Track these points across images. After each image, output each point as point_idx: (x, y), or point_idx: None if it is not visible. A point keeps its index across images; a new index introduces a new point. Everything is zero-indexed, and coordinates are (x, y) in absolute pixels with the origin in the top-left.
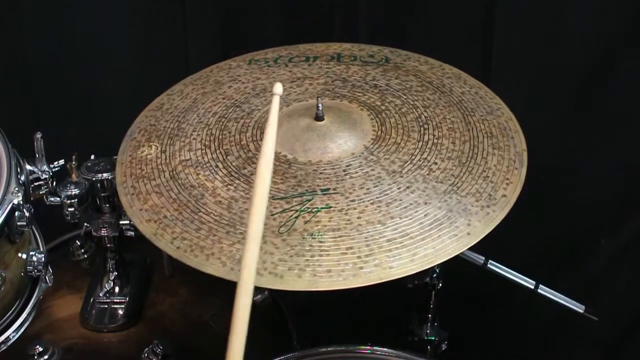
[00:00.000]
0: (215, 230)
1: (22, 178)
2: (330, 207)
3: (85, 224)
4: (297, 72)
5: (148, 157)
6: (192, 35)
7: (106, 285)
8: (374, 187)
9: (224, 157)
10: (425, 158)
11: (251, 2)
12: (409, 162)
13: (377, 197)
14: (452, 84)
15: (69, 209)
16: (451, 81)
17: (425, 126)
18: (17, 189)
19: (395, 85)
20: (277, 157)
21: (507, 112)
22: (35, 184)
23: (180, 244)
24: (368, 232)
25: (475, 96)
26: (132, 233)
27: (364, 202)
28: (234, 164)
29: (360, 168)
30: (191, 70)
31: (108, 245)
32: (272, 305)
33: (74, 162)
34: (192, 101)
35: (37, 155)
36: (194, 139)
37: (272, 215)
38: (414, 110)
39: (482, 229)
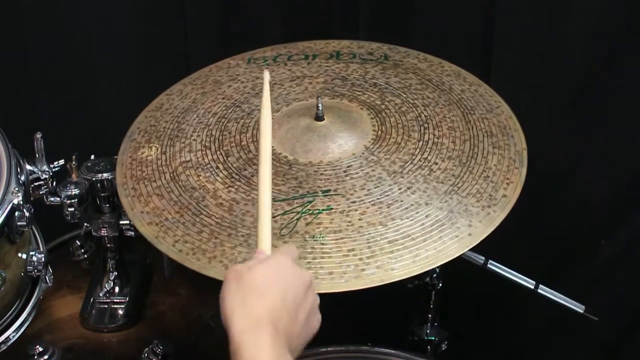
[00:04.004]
0: (217, 233)
1: (22, 178)
2: (332, 208)
3: (85, 224)
4: (297, 70)
5: (148, 158)
6: (192, 35)
7: (106, 285)
8: (375, 188)
9: (225, 158)
10: (426, 158)
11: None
12: (409, 162)
13: (378, 198)
14: (452, 82)
15: (69, 209)
16: (450, 79)
17: (426, 125)
18: (17, 189)
19: (395, 84)
20: (278, 158)
21: (506, 110)
22: (35, 184)
23: (182, 247)
24: (369, 233)
25: (475, 94)
26: (132, 233)
27: (364, 203)
28: (234, 165)
29: (361, 169)
30: (192, 70)
31: (108, 245)
32: None
33: (74, 162)
34: (191, 101)
35: (37, 155)
36: (194, 140)
37: (274, 217)
38: (414, 109)
39: (483, 230)
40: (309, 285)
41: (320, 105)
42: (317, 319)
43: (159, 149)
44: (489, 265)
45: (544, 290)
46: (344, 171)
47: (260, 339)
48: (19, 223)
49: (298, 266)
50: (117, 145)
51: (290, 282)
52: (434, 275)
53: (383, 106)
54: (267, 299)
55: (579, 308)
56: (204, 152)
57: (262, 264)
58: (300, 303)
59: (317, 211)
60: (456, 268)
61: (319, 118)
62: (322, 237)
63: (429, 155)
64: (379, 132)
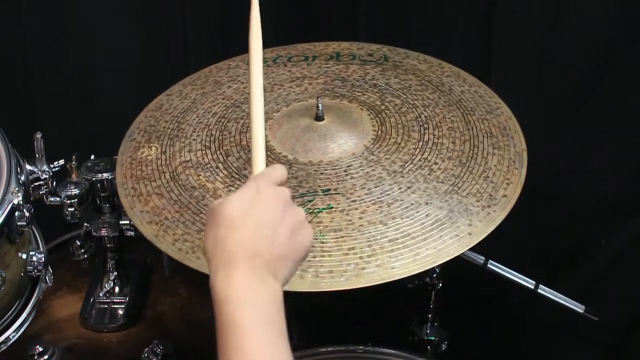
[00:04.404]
0: None
1: (22, 178)
2: (332, 207)
3: (85, 224)
4: (297, 71)
5: (148, 158)
6: (192, 35)
7: (106, 285)
8: (375, 187)
9: (225, 158)
10: (426, 158)
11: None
12: (409, 162)
13: (378, 198)
14: (452, 83)
15: (69, 209)
16: (450, 80)
17: (425, 126)
18: (17, 189)
19: (395, 85)
20: (278, 157)
21: (506, 111)
22: (35, 184)
23: (182, 246)
24: (370, 232)
25: (475, 95)
26: (132, 233)
27: (365, 202)
28: (234, 164)
29: (361, 168)
30: (191, 70)
31: (108, 245)
32: None
33: (74, 162)
34: (191, 101)
35: (37, 155)
36: (194, 139)
37: None
38: (414, 109)
39: (483, 229)
40: (287, 200)
41: (320, 105)
42: (305, 234)
43: (159, 149)
44: (489, 265)
45: (544, 290)
46: (344, 170)
47: (231, 278)
48: (19, 223)
49: (274, 185)
50: (117, 145)
51: (265, 203)
52: (434, 275)
53: (383, 107)
54: (239, 230)
55: (579, 308)
56: (203, 152)
57: (234, 194)
58: (279, 222)
59: (318, 210)
60: (456, 268)
61: (319, 118)
62: (323, 235)
63: (429, 155)
64: (379, 132)
